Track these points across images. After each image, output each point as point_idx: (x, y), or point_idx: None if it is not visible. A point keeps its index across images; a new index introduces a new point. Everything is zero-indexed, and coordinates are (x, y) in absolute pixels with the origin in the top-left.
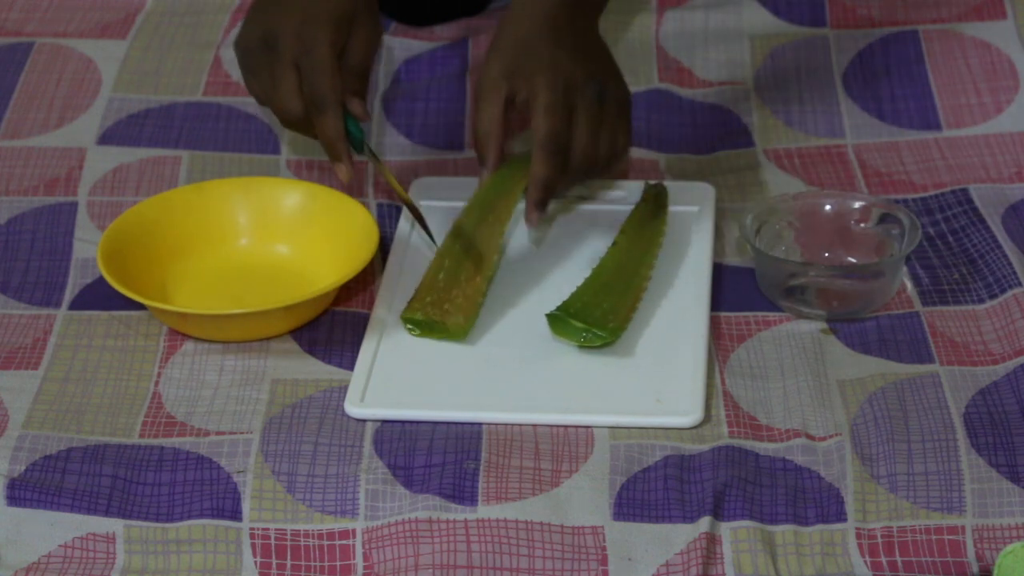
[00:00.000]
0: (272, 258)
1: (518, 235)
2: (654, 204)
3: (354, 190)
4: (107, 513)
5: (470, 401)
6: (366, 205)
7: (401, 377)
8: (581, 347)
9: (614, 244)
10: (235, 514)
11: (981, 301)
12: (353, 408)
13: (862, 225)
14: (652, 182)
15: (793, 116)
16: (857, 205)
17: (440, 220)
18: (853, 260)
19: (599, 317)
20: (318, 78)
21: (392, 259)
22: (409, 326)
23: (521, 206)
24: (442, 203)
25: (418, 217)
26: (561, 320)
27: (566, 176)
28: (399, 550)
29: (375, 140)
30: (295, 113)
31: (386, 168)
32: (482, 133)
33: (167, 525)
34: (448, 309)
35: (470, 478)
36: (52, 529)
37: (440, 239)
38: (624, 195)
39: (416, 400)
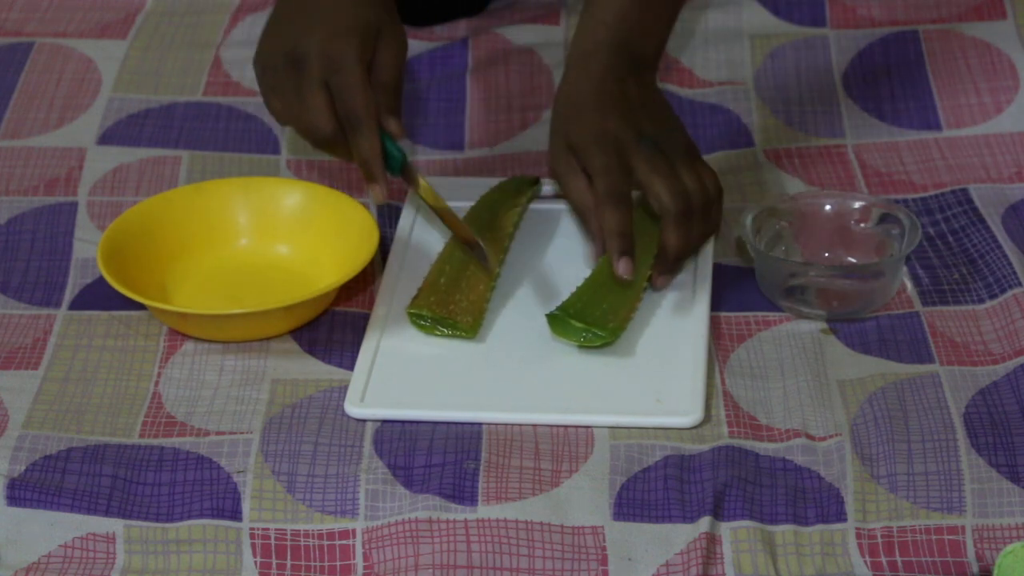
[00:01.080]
0: (272, 258)
1: (519, 236)
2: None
3: (355, 190)
4: (107, 513)
5: (470, 401)
6: (366, 205)
7: (401, 377)
8: (581, 347)
9: None
10: (235, 514)
11: (981, 301)
12: (353, 408)
13: (862, 225)
14: None
15: (793, 116)
16: (857, 205)
17: (440, 220)
18: (853, 260)
19: (599, 317)
20: (351, 96)
21: (392, 259)
22: (421, 321)
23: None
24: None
25: (472, 244)
26: (561, 320)
27: (668, 230)
28: (399, 550)
29: None
30: (327, 133)
31: (431, 190)
32: (581, 208)
33: (167, 525)
34: (453, 310)
35: (470, 478)
36: (52, 529)
37: (438, 239)
38: None
39: (416, 400)
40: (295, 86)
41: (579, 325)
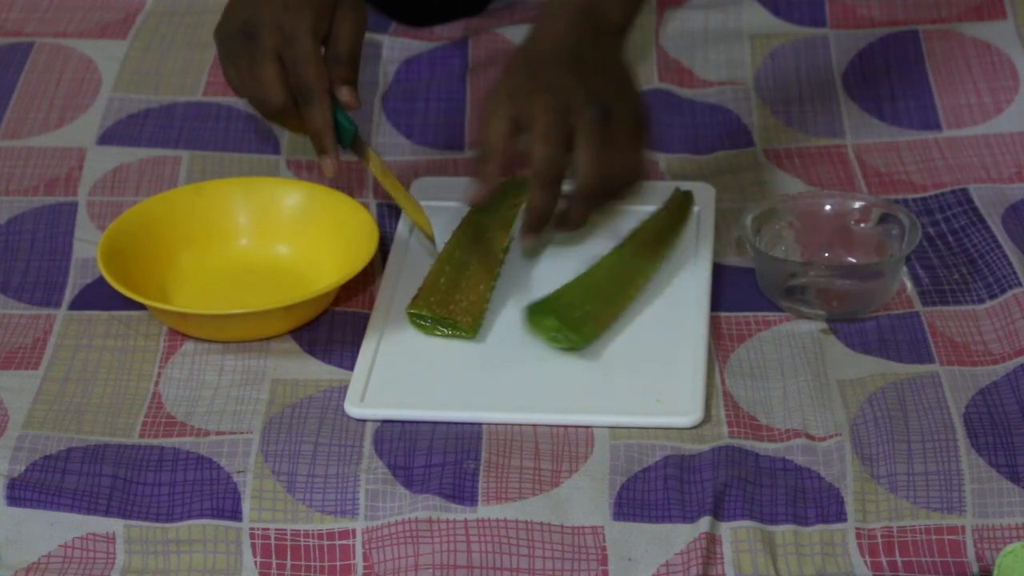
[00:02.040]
0: (272, 258)
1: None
2: (676, 213)
3: (355, 190)
4: (107, 513)
5: (470, 401)
6: (366, 205)
7: (401, 377)
8: (551, 345)
9: (619, 247)
10: (235, 514)
11: (981, 301)
12: (353, 408)
13: (862, 225)
14: (683, 188)
15: (793, 116)
16: (857, 205)
17: (440, 220)
18: (853, 260)
19: (577, 319)
20: (302, 68)
21: (392, 259)
22: (421, 321)
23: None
24: (442, 203)
25: (417, 215)
26: (536, 315)
27: (576, 203)
28: (399, 550)
29: (375, 140)
30: (278, 104)
31: (380, 163)
32: (485, 151)
33: (167, 525)
34: (453, 310)
35: (470, 478)
36: (52, 529)
37: (439, 239)
38: None
39: (416, 400)
40: (248, 57)
41: (552, 323)
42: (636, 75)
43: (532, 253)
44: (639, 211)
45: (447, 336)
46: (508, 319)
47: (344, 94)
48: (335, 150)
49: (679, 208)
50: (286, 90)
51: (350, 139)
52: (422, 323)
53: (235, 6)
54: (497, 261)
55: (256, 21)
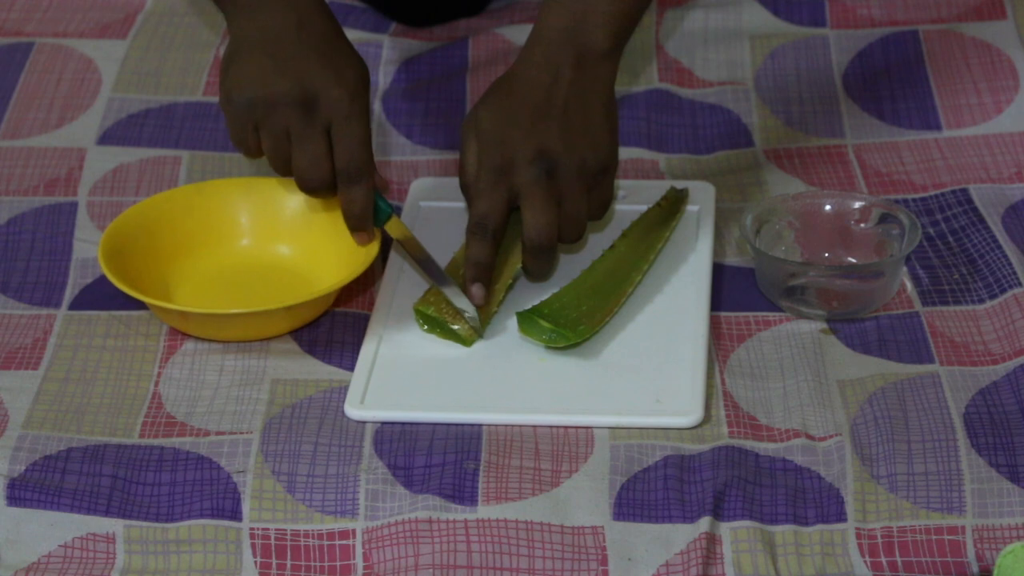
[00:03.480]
0: (273, 259)
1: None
2: (668, 209)
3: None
4: (107, 513)
5: (470, 403)
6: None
7: (401, 379)
8: (548, 347)
9: (611, 248)
10: (235, 514)
11: (981, 301)
12: (353, 411)
13: (862, 225)
14: (680, 187)
15: (793, 116)
16: (857, 205)
17: (440, 220)
18: (853, 260)
19: (572, 319)
20: (356, 149)
21: (392, 261)
22: (420, 320)
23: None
24: (442, 203)
25: (460, 301)
26: (528, 320)
27: (527, 257)
28: (399, 550)
29: (375, 140)
30: (322, 182)
31: (417, 245)
32: (462, 183)
33: (167, 525)
34: (459, 318)
35: (470, 478)
36: (52, 529)
37: (439, 239)
38: (623, 194)
39: (416, 402)
40: (298, 128)
41: (546, 326)
42: (613, 109)
43: (482, 302)
44: (638, 211)
45: (446, 338)
46: (508, 320)
47: (379, 179)
48: (371, 231)
49: (671, 204)
50: (331, 168)
51: (386, 219)
52: (424, 321)
53: (259, 66)
54: (510, 274)
55: (312, 92)
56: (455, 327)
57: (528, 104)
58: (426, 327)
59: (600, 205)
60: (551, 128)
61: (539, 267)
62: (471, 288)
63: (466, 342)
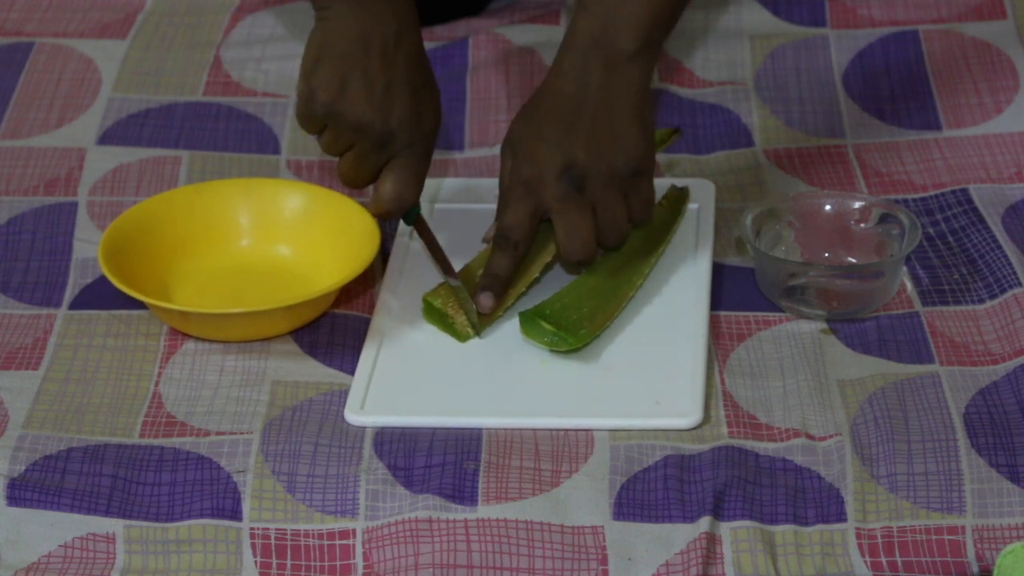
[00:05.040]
0: (273, 259)
1: None
2: (669, 209)
3: (355, 192)
4: (107, 513)
5: (470, 406)
6: (367, 207)
7: (401, 383)
8: (551, 351)
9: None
10: (235, 514)
11: (981, 301)
12: (353, 416)
13: (862, 225)
14: (680, 185)
15: (793, 116)
16: (857, 205)
17: (440, 221)
18: (853, 260)
19: (573, 322)
20: (413, 183)
21: (393, 262)
22: (424, 309)
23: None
24: (442, 204)
25: (467, 303)
26: (531, 321)
27: (565, 268)
28: (399, 550)
29: None
30: (359, 188)
31: (435, 241)
32: (500, 189)
33: (167, 525)
34: (461, 319)
35: (470, 478)
36: (52, 529)
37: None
38: None
39: (416, 407)
40: (362, 150)
41: (548, 328)
42: (645, 111)
43: (490, 312)
44: None
45: (443, 329)
46: (508, 323)
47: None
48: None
49: (673, 205)
50: (373, 177)
51: (413, 218)
52: (428, 311)
53: (342, 80)
54: (525, 283)
55: (391, 133)
56: (454, 321)
57: (555, 116)
58: (427, 317)
59: (642, 208)
60: (577, 139)
61: (577, 273)
62: (479, 296)
63: (460, 337)
